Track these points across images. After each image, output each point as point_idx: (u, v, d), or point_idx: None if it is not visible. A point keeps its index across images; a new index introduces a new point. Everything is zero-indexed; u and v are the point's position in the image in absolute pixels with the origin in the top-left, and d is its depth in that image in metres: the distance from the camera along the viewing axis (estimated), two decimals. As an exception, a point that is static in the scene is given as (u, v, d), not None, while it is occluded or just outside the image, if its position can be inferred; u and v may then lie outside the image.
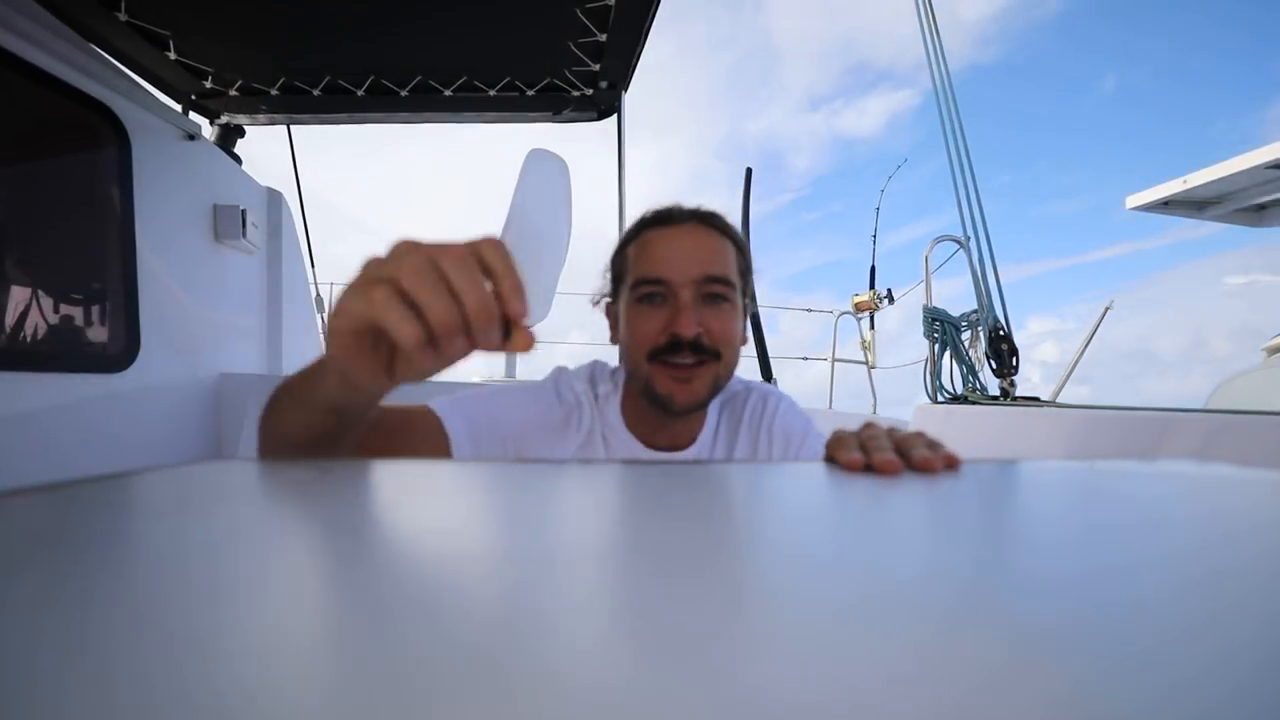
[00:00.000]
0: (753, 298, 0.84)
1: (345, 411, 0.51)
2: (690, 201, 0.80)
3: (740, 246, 0.79)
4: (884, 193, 4.11)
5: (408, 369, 0.45)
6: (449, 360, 0.44)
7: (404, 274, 0.38)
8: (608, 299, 0.84)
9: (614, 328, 0.82)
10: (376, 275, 0.39)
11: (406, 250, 0.39)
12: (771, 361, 2.60)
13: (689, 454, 0.80)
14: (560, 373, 0.84)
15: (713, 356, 0.73)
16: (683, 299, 0.72)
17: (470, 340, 0.41)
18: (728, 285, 0.74)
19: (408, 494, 0.37)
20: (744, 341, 0.79)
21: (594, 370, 0.84)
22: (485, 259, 0.40)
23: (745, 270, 0.79)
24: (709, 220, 0.77)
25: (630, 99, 1.98)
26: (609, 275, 0.83)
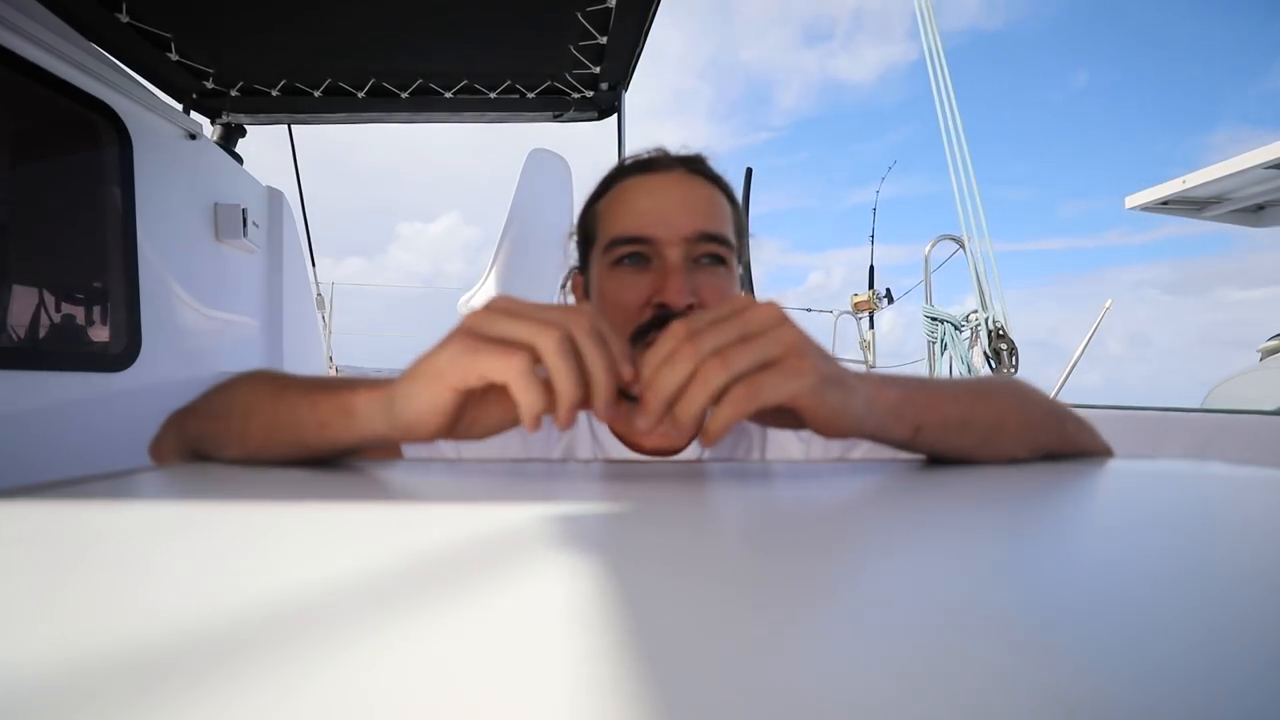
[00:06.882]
0: (747, 267, 0.72)
1: (346, 453, 0.45)
2: (669, 138, 0.67)
3: (734, 201, 0.68)
4: (879, 194, 4.10)
5: (474, 426, 0.41)
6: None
7: (544, 346, 0.36)
8: (574, 269, 0.70)
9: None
10: (506, 336, 0.37)
11: (534, 313, 0.37)
12: None
13: (684, 458, 0.65)
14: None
15: None
16: (671, 260, 0.59)
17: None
18: (724, 245, 0.62)
19: (411, 494, 0.37)
20: None
21: None
22: (600, 328, 0.38)
23: (741, 230, 0.68)
24: (700, 168, 0.65)
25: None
26: (575, 239, 0.70)
